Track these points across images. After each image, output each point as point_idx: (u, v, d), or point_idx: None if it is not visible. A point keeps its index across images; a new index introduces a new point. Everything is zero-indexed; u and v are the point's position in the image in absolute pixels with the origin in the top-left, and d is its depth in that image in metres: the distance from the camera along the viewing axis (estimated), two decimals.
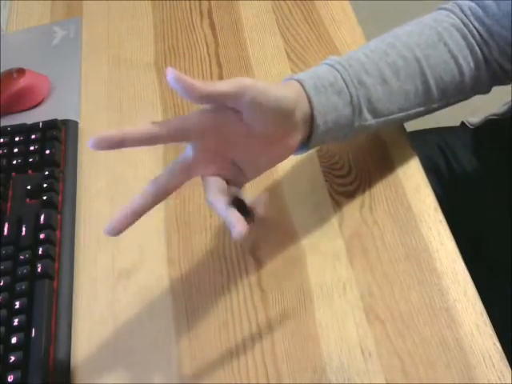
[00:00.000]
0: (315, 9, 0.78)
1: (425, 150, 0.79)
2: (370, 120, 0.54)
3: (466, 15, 0.57)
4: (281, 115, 0.48)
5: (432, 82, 0.55)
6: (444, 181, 0.78)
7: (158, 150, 0.67)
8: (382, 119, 0.54)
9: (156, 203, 0.47)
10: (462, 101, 0.59)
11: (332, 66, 0.53)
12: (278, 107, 0.47)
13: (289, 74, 0.71)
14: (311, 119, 0.50)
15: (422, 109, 0.57)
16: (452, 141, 0.81)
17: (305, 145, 0.53)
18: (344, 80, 0.52)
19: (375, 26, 0.88)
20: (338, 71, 0.52)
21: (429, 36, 0.56)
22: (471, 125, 0.83)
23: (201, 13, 0.82)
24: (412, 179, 0.60)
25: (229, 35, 0.78)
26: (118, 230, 0.46)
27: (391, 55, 0.54)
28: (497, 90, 0.61)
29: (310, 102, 0.50)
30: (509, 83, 0.61)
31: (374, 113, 0.54)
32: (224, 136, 0.48)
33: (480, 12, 0.57)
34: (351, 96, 0.52)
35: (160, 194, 0.47)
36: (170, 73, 0.43)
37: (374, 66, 0.53)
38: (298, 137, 0.50)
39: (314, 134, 0.51)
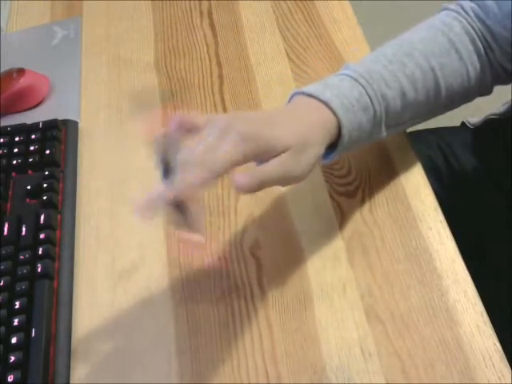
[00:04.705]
0: (315, 9, 0.78)
1: (425, 150, 0.79)
2: (383, 132, 0.55)
3: (469, 16, 0.57)
4: None
5: (443, 91, 0.56)
6: (444, 181, 0.78)
7: None
8: (393, 130, 0.56)
9: None
10: (464, 103, 0.60)
11: (355, 79, 0.53)
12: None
13: (288, 73, 0.71)
14: (338, 133, 0.51)
15: (429, 115, 0.58)
16: (452, 141, 0.81)
17: (329, 155, 0.53)
18: (369, 95, 0.52)
19: (375, 26, 0.88)
20: (363, 86, 0.52)
21: (442, 44, 0.56)
22: (471, 125, 0.83)
23: (201, 13, 0.82)
24: (412, 179, 0.60)
25: (229, 35, 0.78)
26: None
27: (409, 66, 0.54)
28: (497, 89, 0.61)
29: (338, 120, 0.50)
30: (509, 83, 0.61)
31: (388, 125, 0.55)
32: None
33: (481, 13, 0.57)
34: (375, 111, 0.52)
35: None
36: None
37: (393, 78, 0.54)
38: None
39: (339, 147, 0.51)
